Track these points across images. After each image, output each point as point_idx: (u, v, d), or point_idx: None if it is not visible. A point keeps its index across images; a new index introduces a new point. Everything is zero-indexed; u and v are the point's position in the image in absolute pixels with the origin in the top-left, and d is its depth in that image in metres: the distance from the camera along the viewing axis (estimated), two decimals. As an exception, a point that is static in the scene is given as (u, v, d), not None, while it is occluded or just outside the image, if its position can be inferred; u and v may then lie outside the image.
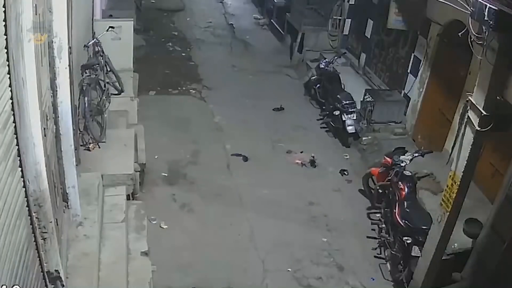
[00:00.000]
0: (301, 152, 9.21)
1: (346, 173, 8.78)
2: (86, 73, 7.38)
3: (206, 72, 12.33)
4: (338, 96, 9.75)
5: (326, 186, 8.46)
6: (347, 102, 9.52)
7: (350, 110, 9.44)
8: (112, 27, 8.85)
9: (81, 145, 7.02)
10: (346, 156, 9.37)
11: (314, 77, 11.10)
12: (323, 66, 10.85)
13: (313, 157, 9.03)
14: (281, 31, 14.69)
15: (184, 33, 14.92)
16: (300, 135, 9.93)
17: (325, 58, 11.43)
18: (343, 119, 9.45)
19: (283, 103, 10.84)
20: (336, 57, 11.24)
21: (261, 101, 10.95)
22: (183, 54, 13.49)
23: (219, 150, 9.13)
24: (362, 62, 11.72)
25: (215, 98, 11.03)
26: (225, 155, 8.99)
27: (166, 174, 8.28)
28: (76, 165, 5.56)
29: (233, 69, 12.79)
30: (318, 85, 10.78)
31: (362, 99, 9.77)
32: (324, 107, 10.54)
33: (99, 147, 7.24)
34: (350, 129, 9.39)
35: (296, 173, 8.72)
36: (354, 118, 9.45)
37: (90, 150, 7.12)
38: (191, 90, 11.42)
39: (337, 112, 9.56)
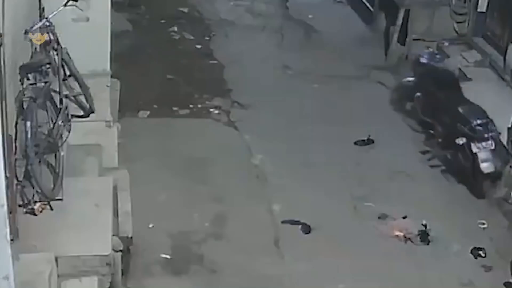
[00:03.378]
0: (404, 218, 7.11)
1: (483, 255, 6.88)
2: (29, 79, 5.95)
3: (237, 78, 9.82)
4: (459, 110, 7.70)
5: (448, 277, 6.42)
6: (478, 121, 7.42)
7: (483, 135, 7.35)
8: (75, 0, 7.05)
9: (19, 205, 5.72)
10: (483, 223, 7.22)
11: (410, 80, 9.17)
12: (425, 62, 8.91)
13: (425, 225, 6.97)
14: (369, 7, 12.23)
15: (199, 10, 12.22)
16: (402, 186, 7.74)
17: (429, 48, 9.38)
18: (473, 150, 7.37)
19: (373, 132, 8.44)
20: (446, 44, 9.63)
21: (334, 129, 8.55)
22: (198, 47, 10.89)
23: (260, 213, 7.11)
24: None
25: (253, 124, 8.65)
26: (271, 223, 7.02)
27: (168, 256, 6.57)
28: (11, 240, 4.53)
29: (285, 72, 10.28)
30: (418, 94, 8.80)
31: (511, 125, 7.71)
32: (431, 131, 8.42)
33: (51, 209, 5.78)
34: (485, 167, 7.27)
35: (395, 255, 6.63)
36: (492, 147, 7.30)
37: (35, 214, 5.79)
38: (211, 109, 9.00)
39: (461, 141, 7.45)
